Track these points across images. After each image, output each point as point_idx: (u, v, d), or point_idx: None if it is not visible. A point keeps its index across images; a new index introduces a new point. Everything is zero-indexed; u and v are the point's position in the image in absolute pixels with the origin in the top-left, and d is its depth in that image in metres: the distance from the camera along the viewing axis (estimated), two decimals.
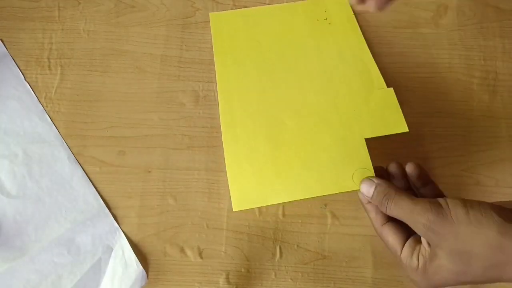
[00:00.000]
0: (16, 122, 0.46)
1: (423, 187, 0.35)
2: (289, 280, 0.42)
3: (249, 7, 0.50)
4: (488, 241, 0.27)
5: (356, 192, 0.37)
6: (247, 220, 0.44)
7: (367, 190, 0.34)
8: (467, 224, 0.27)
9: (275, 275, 0.42)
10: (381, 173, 0.37)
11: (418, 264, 0.30)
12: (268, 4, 0.50)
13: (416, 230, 0.30)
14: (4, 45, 0.49)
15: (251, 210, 0.44)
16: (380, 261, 0.43)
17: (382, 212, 0.34)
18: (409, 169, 0.35)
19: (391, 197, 0.32)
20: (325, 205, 0.44)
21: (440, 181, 0.45)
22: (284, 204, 0.44)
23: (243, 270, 0.43)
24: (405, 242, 0.32)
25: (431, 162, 0.45)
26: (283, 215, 0.44)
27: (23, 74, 0.48)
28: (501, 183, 0.45)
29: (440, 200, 0.30)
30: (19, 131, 0.45)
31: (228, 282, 0.42)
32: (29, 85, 0.47)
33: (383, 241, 0.34)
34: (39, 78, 0.48)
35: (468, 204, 0.28)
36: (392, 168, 0.36)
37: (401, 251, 0.32)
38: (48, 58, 0.48)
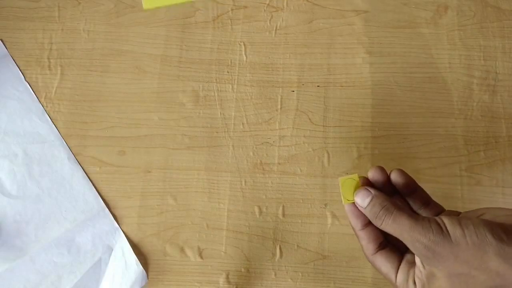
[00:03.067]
0: (16, 122, 0.46)
1: (410, 195, 0.34)
2: (289, 280, 0.42)
3: (248, 7, 0.50)
4: (485, 265, 0.26)
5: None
6: (247, 220, 0.44)
7: (362, 200, 0.32)
8: (465, 246, 0.27)
9: (275, 275, 0.42)
10: (365, 182, 0.34)
11: None
12: (268, 4, 0.50)
13: (413, 249, 0.29)
14: (4, 45, 0.49)
15: (251, 210, 0.44)
16: None
17: (374, 241, 0.32)
18: (395, 176, 0.33)
19: (389, 212, 0.30)
20: (325, 205, 0.44)
21: (440, 181, 0.45)
22: (284, 204, 0.44)
23: (243, 270, 0.43)
24: (398, 269, 0.31)
25: (431, 162, 0.45)
26: (283, 215, 0.44)
27: (23, 74, 0.48)
28: (501, 183, 0.45)
29: (437, 219, 0.28)
30: (19, 131, 0.45)
31: (228, 282, 0.42)
32: (29, 85, 0.47)
33: (375, 268, 0.33)
34: (39, 78, 0.48)
35: (463, 223, 0.27)
36: (375, 174, 0.33)
37: (396, 278, 0.31)
38: (48, 58, 0.48)
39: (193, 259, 0.43)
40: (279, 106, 0.47)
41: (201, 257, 0.43)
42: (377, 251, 0.32)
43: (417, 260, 0.30)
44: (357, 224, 0.33)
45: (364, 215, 0.32)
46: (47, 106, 0.47)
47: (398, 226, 0.29)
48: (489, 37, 0.50)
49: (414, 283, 0.30)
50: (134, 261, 0.42)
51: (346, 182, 0.33)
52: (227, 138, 0.46)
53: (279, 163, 0.45)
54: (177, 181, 0.45)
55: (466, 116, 0.47)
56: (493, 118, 0.47)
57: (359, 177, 0.33)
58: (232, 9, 0.50)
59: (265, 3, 0.51)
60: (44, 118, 0.46)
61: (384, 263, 0.32)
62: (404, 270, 0.31)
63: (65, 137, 0.46)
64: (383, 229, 0.31)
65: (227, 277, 0.42)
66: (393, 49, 0.49)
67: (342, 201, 0.33)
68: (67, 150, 0.45)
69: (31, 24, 0.50)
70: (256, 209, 0.44)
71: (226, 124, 0.47)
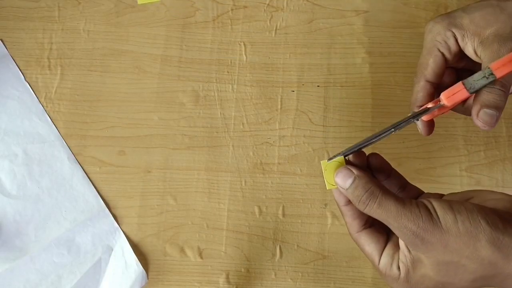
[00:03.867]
0: (16, 122, 0.46)
1: (387, 179, 0.32)
2: (289, 280, 0.42)
3: (248, 7, 0.50)
4: (477, 254, 0.25)
5: None
6: (247, 220, 0.44)
7: (343, 181, 0.29)
8: (457, 233, 0.25)
9: (275, 275, 0.43)
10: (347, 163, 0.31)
11: (400, 274, 0.28)
12: (268, 4, 0.50)
13: (400, 235, 0.27)
14: (4, 45, 0.49)
15: (251, 210, 0.44)
16: None
17: (359, 218, 0.30)
18: (373, 160, 0.31)
19: (374, 196, 0.27)
20: (325, 205, 0.44)
21: (440, 181, 0.45)
22: (284, 204, 0.44)
23: (243, 270, 0.43)
24: (382, 250, 0.29)
25: (431, 162, 0.45)
26: (283, 215, 0.44)
27: (23, 74, 0.48)
28: (501, 183, 0.45)
29: (427, 203, 0.27)
30: (19, 131, 0.45)
31: (228, 282, 0.42)
32: (29, 85, 0.47)
33: (359, 247, 0.31)
34: (39, 78, 0.48)
35: (455, 208, 0.26)
36: (355, 158, 0.31)
37: (379, 260, 0.29)
38: (48, 58, 0.48)
39: (193, 259, 0.43)
40: (279, 106, 0.47)
41: (201, 257, 0.43)
42: (362, 229, 0.30)
43: (402, 244, 0.28)
44: (340, 199, 0.30)
45: None
46: (47, 106, 0.47)
47: (383, 212, 0.27)
48: None
49: (399, 268, 0.28)
50: (134, 261, 0.42)
51: (330, 166, 0.30)
52: (227, 138, 0.46)
53: (279, 163, 0.45)
54: (177, 181, 0.45)
55: (466, 116, 0.47)
56: None
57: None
58: (232, 9, 0.50)
59: (265, 3, 0.51)
60: (44, 118, 0.46)
61: (368, 242, 0.30)
62: (389, 252, 0.29)
63: (65, 137, 0.46)
64: (367, 213, 0.28)
65: (227, 277, 0.42)
66: (393, 49, 0.49)
67: (326, 186, 0.30)
68: (67, 150, 0.45)
69: (31, 24, 0.50)
70: (256, 209, 0.44)
71: (226, 124, 0.47)
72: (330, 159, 0.30)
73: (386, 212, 0.27)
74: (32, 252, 0.41)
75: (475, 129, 0.46)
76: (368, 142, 0.30)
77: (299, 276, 0.42)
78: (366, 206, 0.28)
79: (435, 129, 0.47)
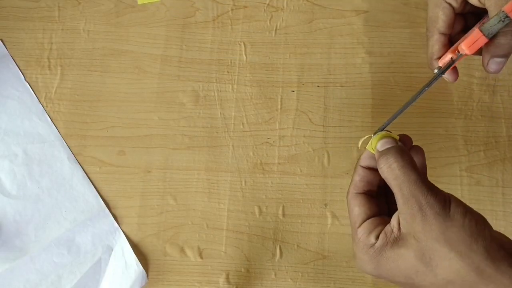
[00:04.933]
0: (16, 122, 0.46)
1: None
2: (289, 280, 0.42)
3: (248, 7, 0.50)
4: (469, 254, 0.25)
5: None
6: (247, 220, 0.44)
7: (382, 146, 0.30)
8: (459, 225, 0.25)
9: (275, 275, 0.43)
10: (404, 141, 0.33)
11: (375, 243, 0.27)
12: (268, 4, 0.50)
13: (404, 206, 0.27)
14: (4, 45, 0.49)
15: (251, 210, 0.44)
16: None
17: (366, 182, 0.31)
18: (414, 152, 0.31)
19: (403, 159, 0.28)
20: (325, 205, 0.44)
21: (440, 181, 0.45)
22: (284, 204, 0.44)
23: (243, 270, 0.43)
24: (368, 218, 0.29)
25: (431, 162, 0.45)
26: (283, 215, 0.44)
27: (23, 74, 0.48)
28: (501, 183, 0.45)
29: (445, 193, 0.27)
30: (19, 131, 0.45)
31: (228, 282, 0.42)
32: (29, 85, 0.47)
33: (348, 208, 0.31)
34: (39, 78, 0.48)
35: (468, 209, 0.26)
36: (402, 140, 0.32)
37: (361, 224, 0.29)
38: (48, 58, 0.49)
39: (193, 259, 0.43)
40: (279, 106, 0.47)
41: (201, 257, 0.43)
42: (362, 192, 0.31)
43: (395, 220, 0.28)
44: (364, 159, 0.31)
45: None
46: (47, 106, 0.47)
47: (402, 175, 0.27)
48: None
49: (377, 238, 0.28)
50: (134, 261, 0.42)
51: (377, 137, 0.32)
52: (227, 138, 0.46)
53: (279, 163, 0.45)
54: (177, 181, 0.45)
55: (466, 116, 0.47)
56: (493, 118, 0.47)
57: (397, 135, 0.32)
58: (232, 9, 0.50)
59: (265, 3, 0.51)
60: (44, 118, 0.46)
61: (360, 205, 0.30)
62: (374, 222, 0.29)
63: (65, 137, 0.46)
64: (383, 174, 0.29)
65: (227, 277, 0.42)
66: (393, 49, 0.49)
67: (367, 152, 0.31)
68: (67, 150, 0.45)
69: (31, 24, 0.50)
70: (256, 209, 0.44)
71: (226, 124, 0.47)
72: (375, 133, 0.32)
73: (405, 176, 0.27)
74: (32, 252, 0.41)
75: (475, 129, 0.47)
76: (407, 106, 0.33)
77: (299, 276, 0.42)
78: (389, 165, 0.28)
79: (435, 129, 0.47)
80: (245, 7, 0.51)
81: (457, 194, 0.44)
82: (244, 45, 0.49)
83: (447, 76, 0.35)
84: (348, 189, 0.32)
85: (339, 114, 0.47)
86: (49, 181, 0.44)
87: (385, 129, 0.33)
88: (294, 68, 0.48)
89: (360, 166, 0.32)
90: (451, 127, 0.47)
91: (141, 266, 0.42)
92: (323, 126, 0.46)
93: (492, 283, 0.24)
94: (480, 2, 0.33)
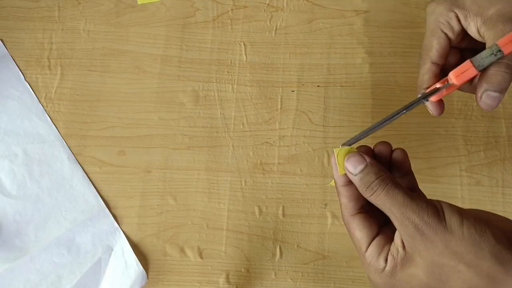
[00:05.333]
0: (16, 122, 0.46)
1: (401, 177, 0.32)
2: (289, 280, 0.42)
3: (248, 7, 0.50)
4: (477, 262, 0.24)
5: None
6: (247, 220, 0.44)
7: (354, 167, 0.28)
8: (460, 236, 0.24)
9: (275, 275, 0.43)
10: (366, 153, 0.31)
11: (385, 267, 0.27)
12: (268, 4, 0.50)
13: (400, 226, 0.26)
14: (4, 45, 0.49)
15: (251, 210, 0.44)
16: None
17: (356, 201, 0.30)
18: (397, 154, 0.31)
19: (384, 183, 0.27)
20: (325, 205, 0.44)
21: (440, 181, 0.45)
22: (284, 204, 0.44)
23: (243, 270, 0.43)
24: (373, 239, 0.28)
25: (431, 162, 0.45)
26: (283, 215, 0.44)
27: (23, 74, 0.48)
28: (501, 183, 0.45)
29: (436, 203, 0.26)
30: (19, 131, 0.45)
31: (228, 282, 0.42)
32: (29, 85, 0.47)
33: (348, 232, 0.30)
34: (39, 78, 0.48)
35: (464, 213, 0.25)
36: (381, 147, 0.31)
37: (367, 248, 0.28)
38: (48, 58, 0.49)
39: (193, 259, 0.43)
40: (279, 106, 0.47)
41: (201, 257, 0.43)
42: (356, 213, 0.30)
43: (397, 238, 0.27)
44: (340, 179, 0.30)
45: None
46: (47, 106, 0.47)
47: (389, 200, 0.26)
48: None
49: (386, 260, 0.27)
50: (134, 261, 0.42)
51: (342, 152, 0.30)
52: (227, 138, 0.46)
53: (279, 163, 0.45)
54: (177, 181, 0.45)
55: (466, 116, 0.47)
56: (493, 118, 0.47)
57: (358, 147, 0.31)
58: (232, 9, 0.50)
59: (265, 3, 0.51)
60: (44, 118, 0.46)
61: (360, 227, 0.29)
62: (379, 243, 0.28)
63: (65, 137, 0.46)
64: (371, 201, 0.28)
65: (227, 277, 0.42)
66: (393, 49, 0.49)
67: (337, 172, 0.30)
68: (67, 150, 0.45)
69: (31, 24, 0.50)
70: (256, 209, 0.44)
71: (226, 124, 0.47)
72: (343, 144, 0.30)
73: (392, 200, 0.26)
74: (32, 252, 0.41)
75: (475, 129, 0.47)
76: (380, 124, 0.31)
77: (299, 276, 0.42)
78: (374, 192, 0.27)
79: (434, 129, 0.47)
80: (245, 7, 0.51)
81: (457, 194, 0.45)
82: (244, 45, 0.49)
83: (431, 107, 0.33)
84: (342, 213, 0.31)
85: (339, 114, 0.47)
86: (49, 181, 0.44)
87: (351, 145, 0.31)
88: (294, 68, 0.48)
89: (341, 187, 0.30)
90: (451, 127, 0.47)
91: (141, 266, 0.42)
92: (323, 126, 0.47)
93: (506, 287, 0.24)
94: (479, 33, 0.32)
